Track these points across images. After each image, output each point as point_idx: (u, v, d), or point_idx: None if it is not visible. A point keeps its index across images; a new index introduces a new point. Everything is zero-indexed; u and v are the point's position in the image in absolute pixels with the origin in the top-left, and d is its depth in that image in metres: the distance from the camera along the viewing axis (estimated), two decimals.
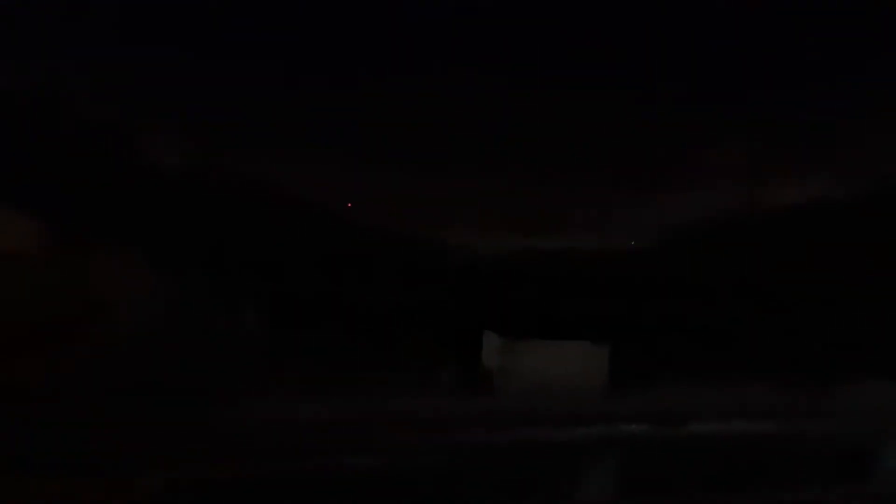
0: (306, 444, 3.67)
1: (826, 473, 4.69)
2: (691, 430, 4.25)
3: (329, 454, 3.43)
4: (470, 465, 3.79)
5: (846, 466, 4.88)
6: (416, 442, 3.64)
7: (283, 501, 3.29)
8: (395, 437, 4.05)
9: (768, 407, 5.49)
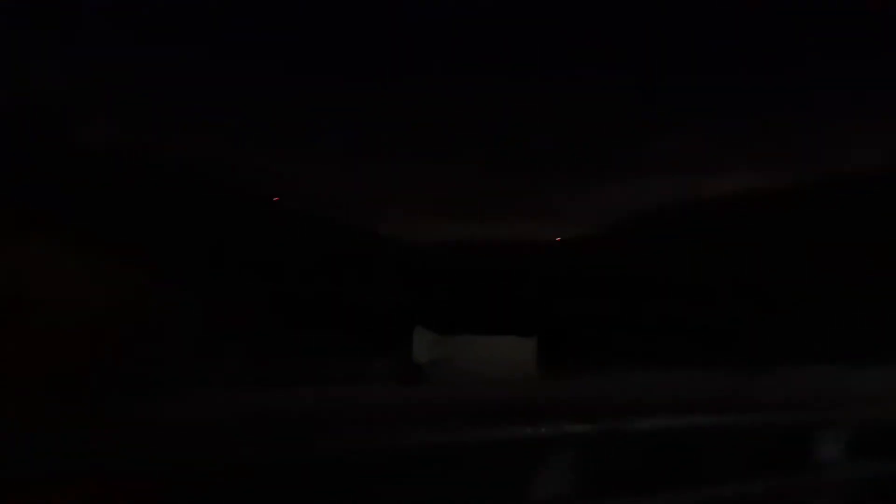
0: (237, 438, 3.59)
1: (765, 465, 4.84)
2: (625, 424, 4.33)
3: (254, 449, 3.37)
4: (402, 460, 3.79)
5: (784, 457, 5.05)
6: (346, 437, 3.62)
7: (209, 498, 3.21)
8: (325, 431, 4.00)
9: (700, 397, 5.64)
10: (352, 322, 28.35)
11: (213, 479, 3.25)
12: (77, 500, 2.88)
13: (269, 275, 33.45)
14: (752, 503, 4.88)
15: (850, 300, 34.60)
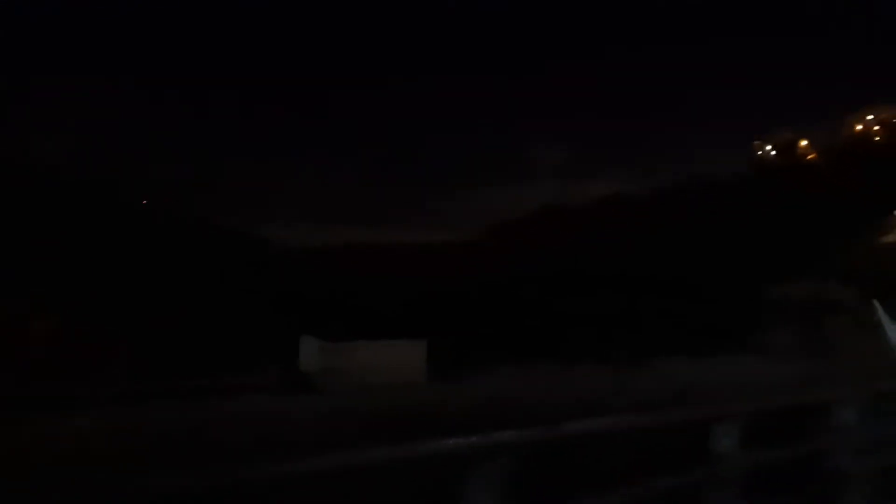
0: (119, 453, 3.17)
1: (659, 462, 4.84)
2: (519, 428, 4.17)
3: (136, 464, 2.96)
4: (294, 478, 3.44)
5: (677, 452, 5.08)
6: (230, 455, 3.25)
7: None
8: (205, 449, 3.61)
9: (596, 397, 5.63)
10: (233, 330, 27.29)
11: (94, 495, 2.82)
12: None
13: (142, 281, 31.66)
14: (648, 502, 4.88)
15: (721, 296, 36.83)
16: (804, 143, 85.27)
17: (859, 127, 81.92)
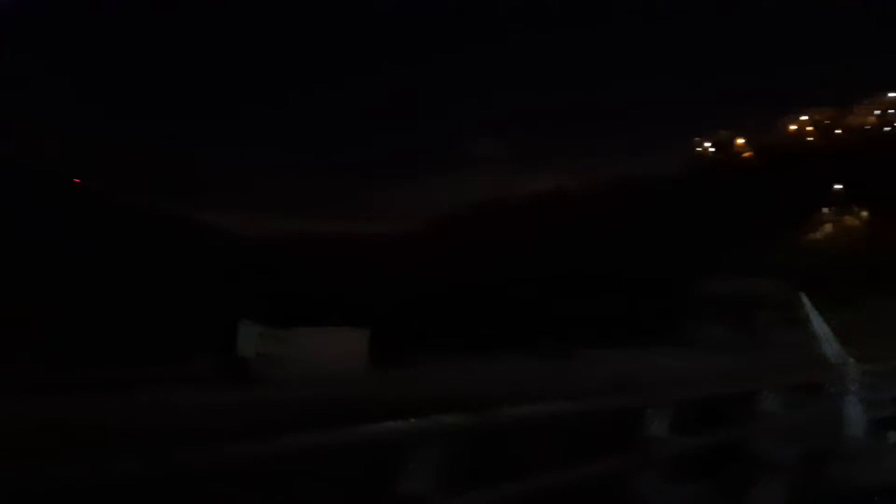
0: (43, 448, 3.07)
1: (589, 449, 4.97)
2: (459, 415, 4.23)
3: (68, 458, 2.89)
4: (233, 470, 3.41)
5: (606, 439, 5.22)
6: (165, 447, 3.20)
7: None
8: (140, 442, 3.55)
9: (528, 385, 5.73)
10: (169, 317, 26.65)
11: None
12: None
13: (57, 263, 30.49)
14: (579, 488, 5.01)
15: (652, 290, 37.72)
16: (740, 141, 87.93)
17: (792, 127, 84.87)
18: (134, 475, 3.02)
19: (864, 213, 62.64)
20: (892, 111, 78.90)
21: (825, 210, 64.33)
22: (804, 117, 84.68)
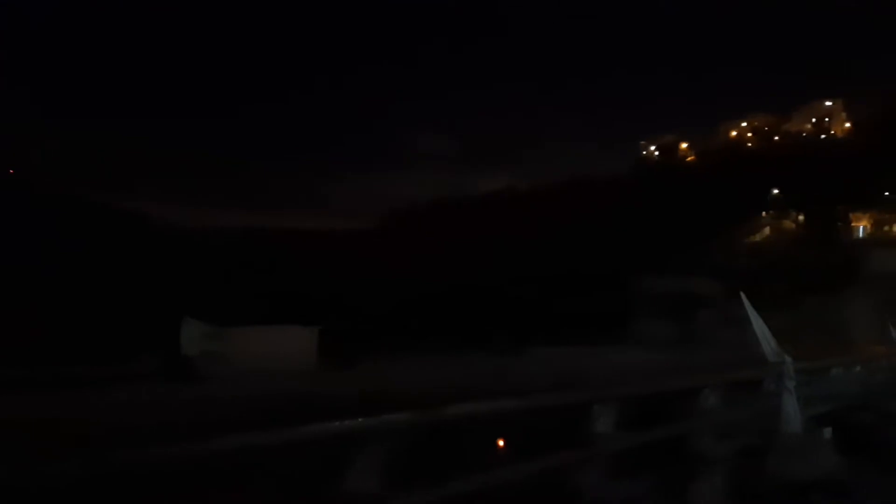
0: None
1: (537, 445, 5.02)
2: (408, 413, 4.23)
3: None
4: (177, 468, 3.35)
5: (554, 435, 5.28)
6: (109, 447, 3.12)
7: None
8: (82, 441, 3.46)
9: (476, 382, 5.77)
10: (113, 314, 25.94)
11: None
12: None
13: (16, 262, 29.48)
14: (525, 484, 5.06)
15: (598, 289, 38.30)
16: (684, 145, 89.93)
17: (734, 133, 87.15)
18: (73, 475, 2.94)
19: (800, 217, 64.71)
20: (828, 119, 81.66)
21: (763, 214, 66.24)
22: (744, 123, 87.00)
